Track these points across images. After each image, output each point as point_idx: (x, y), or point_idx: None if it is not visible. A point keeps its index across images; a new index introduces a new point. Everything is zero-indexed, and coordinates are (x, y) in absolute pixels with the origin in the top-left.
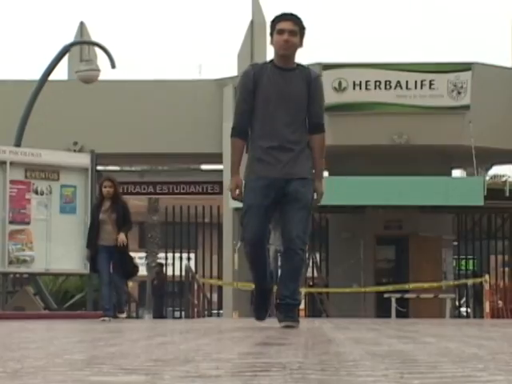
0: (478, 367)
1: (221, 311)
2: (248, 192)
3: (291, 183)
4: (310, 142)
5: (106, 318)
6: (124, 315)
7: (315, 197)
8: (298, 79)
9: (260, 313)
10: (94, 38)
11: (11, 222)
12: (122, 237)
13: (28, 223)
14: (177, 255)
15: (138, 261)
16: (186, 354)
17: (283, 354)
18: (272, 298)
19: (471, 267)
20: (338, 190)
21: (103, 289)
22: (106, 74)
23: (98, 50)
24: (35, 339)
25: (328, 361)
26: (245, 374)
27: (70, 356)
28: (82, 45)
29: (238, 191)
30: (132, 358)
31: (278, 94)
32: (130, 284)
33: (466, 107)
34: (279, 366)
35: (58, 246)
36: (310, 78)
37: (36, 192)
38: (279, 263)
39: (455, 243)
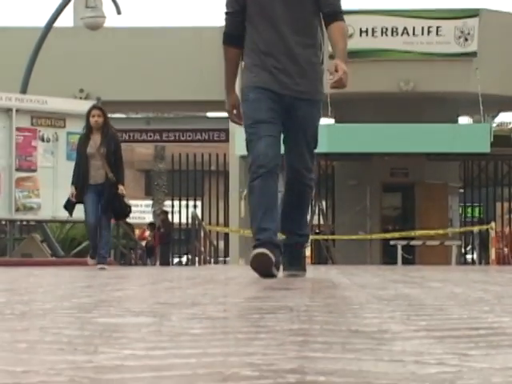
0: (484, 309)
1: (227, 258)
2: (251, 103)
3: (299, 105)
4: (327, 33)
5: (105, 266)
6: (105, 267)
7: (335, 78)
8: None
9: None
10: None
11: (18, 170)
12: (122, 189)
13: (34, 170)
14: (183, 203)
15: (144, 208)
16: (193, 298)
17: (290, 298)
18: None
19: (477, 214)
20: (344, 137)
21: (91, 234)
22: (111, 20)
23: None
24: (43, 284)
25: (334, 304)
26: (252, 316)
27: (77, 300)
28: None
29: (235, 111)
30: (139, 301)
31: None
32: (137, 231)
33: (473, 54)
34: (286, 308)
35: (64, 193)
36: None
37: (42, 139)
38: None
39: (461, 190)
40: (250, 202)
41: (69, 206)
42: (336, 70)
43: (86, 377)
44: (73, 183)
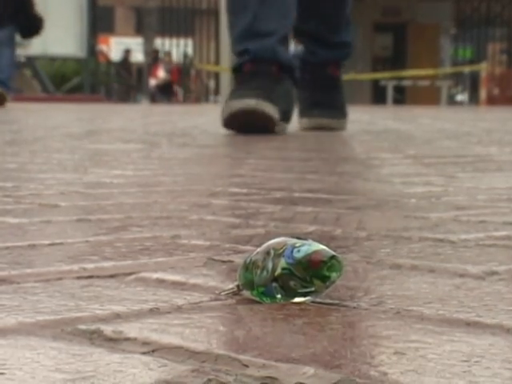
0: (473, 141)
1: (218, 97)
2: None
3: None
4: None
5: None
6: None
7: None
8: None
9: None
10: None
11: None
12: None
13: None
14: (174, 42)
15: (134, 47)
16: (184, 130)
17: None
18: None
19: (469, 56)
20: None
21: None
22: None
23: None
24: (33, 116)
25: (323, 136)
26: (241, 143)
27: (67, 129)
28: None
29: None
30: (130, 131)
31: None
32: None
33: None
34: (276, 138)
35: (54, 29)
36: None
37: None
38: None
39: (453, 31)
40: None
41: None
42: None
43: (76, 191)
44: None
